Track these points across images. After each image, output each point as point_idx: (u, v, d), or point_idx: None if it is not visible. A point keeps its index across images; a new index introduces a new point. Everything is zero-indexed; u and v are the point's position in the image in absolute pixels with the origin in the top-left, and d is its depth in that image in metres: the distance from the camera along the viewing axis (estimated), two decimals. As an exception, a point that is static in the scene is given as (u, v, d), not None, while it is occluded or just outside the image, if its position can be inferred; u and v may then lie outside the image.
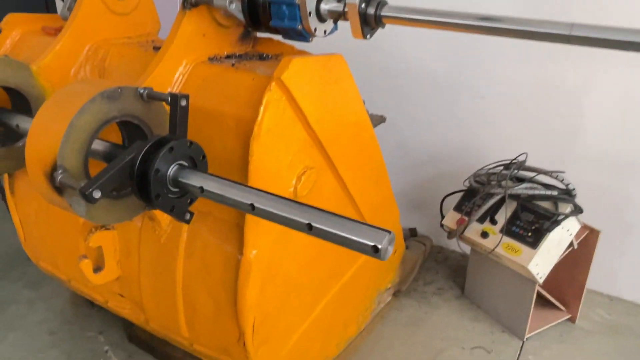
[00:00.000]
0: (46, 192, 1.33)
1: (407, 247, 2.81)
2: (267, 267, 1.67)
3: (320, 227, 1.09)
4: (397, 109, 2.84)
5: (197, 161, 1.37)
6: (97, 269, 1.92)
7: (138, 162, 1.27)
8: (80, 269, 1.87)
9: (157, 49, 1.81)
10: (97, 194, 1.21)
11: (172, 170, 1.30)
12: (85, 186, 1.20)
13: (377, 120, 2.28)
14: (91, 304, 2.53)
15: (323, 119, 1.66)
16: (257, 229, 1.59)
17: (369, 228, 1.06)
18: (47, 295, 2.65)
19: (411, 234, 3.12)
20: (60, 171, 1.27)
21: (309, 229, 1.11)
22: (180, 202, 1.35)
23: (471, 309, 2.61)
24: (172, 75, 1.66)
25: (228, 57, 1.78)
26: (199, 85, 1.64)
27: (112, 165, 1.25)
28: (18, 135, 1.75)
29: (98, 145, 1.46)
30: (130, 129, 1.49)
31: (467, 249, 2.70)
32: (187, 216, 1.42)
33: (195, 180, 1.28)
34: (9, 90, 1.77)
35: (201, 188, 1.26)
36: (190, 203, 1.38)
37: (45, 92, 1.81)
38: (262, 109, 1.44)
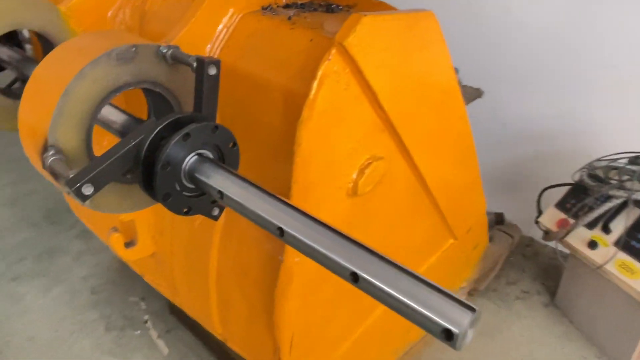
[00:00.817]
0: (45, 175, 1.08)
1: (490, 239, 2.39)
2: (313, 274, 1.36)
3: (370, 281, 0.75)
4: (496, 74, 2.34)
5: (225, 150, 1.05)
6: (130, 243, 1.70)
7: (145, 149, 0.97)
8: (110, 244, 1.66)
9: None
10: (88, 190, 0.93)
11: (188, 162, 0.99)
12: (73, 179, 0.92)
13: (472, 94, 1.83)
14: (137, 265, 2.38)
15: (399, 97, 1.27)
16: (303, 230, 1.27)
17: (445, 299, 0.70)
18: (97, 248, 2.54)
19: (497, 220, 2.68)
20: (51, 152, 1.00)
21: (354, 279, 0.77)
22: (199, 203, 1.05)
23: (561, 323, 2.19)
24: (213, 27, 1.32)
25: (287, 6, 1.41)
26: (245, 43, 1.29)
27: (111, 152, 0.96)
28: (42, 89, 1.51)
29: (113, 115, 1.18)
30: (156, 97, 1.19)
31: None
32: (215, 212, 1.11)
33: (215, 179, 0.97)
34: (40, 36, 1.52)
35: (220, 193, 0.94)
36: (215, 202, 1.08)
37: (75, 38, 1.54)
38: (315, 84, 1.07)
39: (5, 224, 2.68)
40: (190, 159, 0.99)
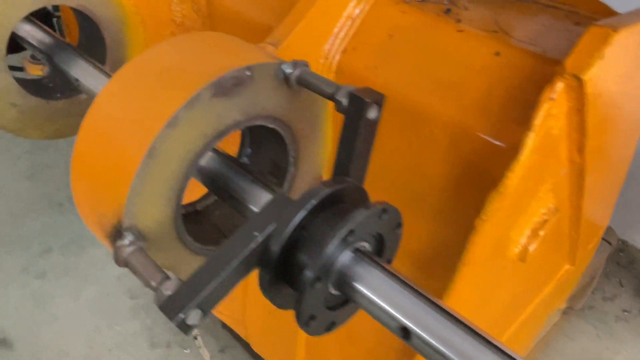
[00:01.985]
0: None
1: (588, 248, 2.06)
2: None
3: None
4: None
5: (387, 235, 0.69)
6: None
7: (281, 248, 0.61)
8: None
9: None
10: (194, 318, 0.59)
11: (340, 262, 0.64)
12: (171, 305, 0.58)
13: None
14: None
15: (603, 135, 0.89)
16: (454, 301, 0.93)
17: None
18: (131, 238, 2.21)
19: (587, 219, 2.33)
20: (127, 240, 0.65)
21: None
22: (343, 313, 0.70)
23: (674, 354, 1.90)
24: (334, 19, 0.92)
25: (430, -15, 0.99)
26: (381, 45, 0.89)
27: (224, 257, 0.60)
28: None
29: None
30: (257, 127, 0.82)
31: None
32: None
33: (388, 299, 0.61)
34: (79, 13, 1.12)
35: (406, 331, 0.59)
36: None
37: (125, 16, 1.14)
38: (530, 138, 0.69)
39: (24, 204, 2.34)
40: (343, 257, 0.64)
